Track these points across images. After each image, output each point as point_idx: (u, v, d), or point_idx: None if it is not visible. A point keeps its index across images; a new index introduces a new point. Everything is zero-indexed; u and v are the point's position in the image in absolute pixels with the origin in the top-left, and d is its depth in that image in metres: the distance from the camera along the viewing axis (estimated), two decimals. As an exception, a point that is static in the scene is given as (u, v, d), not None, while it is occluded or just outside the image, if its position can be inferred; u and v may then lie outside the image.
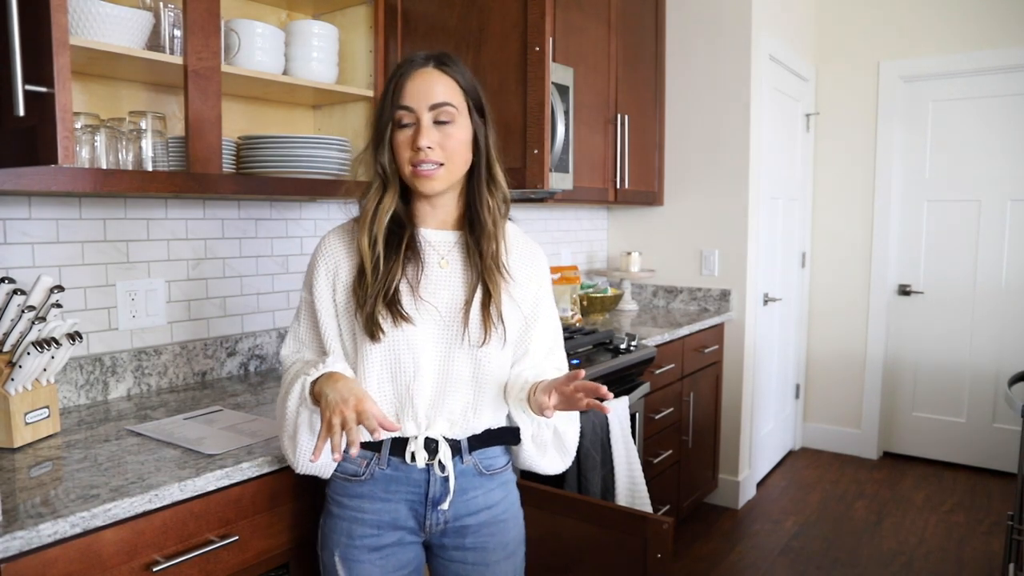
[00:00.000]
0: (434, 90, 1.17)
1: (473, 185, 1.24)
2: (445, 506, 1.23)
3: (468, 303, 1.20)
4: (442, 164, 1.18)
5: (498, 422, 1.28)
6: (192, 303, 1.91)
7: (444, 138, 1.17)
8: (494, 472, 1.28)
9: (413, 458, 1.20)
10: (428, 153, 1.16)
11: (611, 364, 2.23)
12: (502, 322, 1.21)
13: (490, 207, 1.23)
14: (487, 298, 1.20)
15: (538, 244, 1.35)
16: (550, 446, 1.32)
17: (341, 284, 1.23)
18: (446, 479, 1.21)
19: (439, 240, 1.25)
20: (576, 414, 1.32)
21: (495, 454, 1.28)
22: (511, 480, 1.34)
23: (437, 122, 1.17)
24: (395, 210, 1.22)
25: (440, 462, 1.21)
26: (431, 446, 1.21)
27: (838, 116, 3.98)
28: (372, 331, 1.17)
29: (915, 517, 3.25)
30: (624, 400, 2.21)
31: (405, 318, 1.18)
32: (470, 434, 1.25)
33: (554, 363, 1.32)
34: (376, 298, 1.18)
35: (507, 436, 1.29)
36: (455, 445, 1.23)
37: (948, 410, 3.87)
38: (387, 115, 1.18)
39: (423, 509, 1.23)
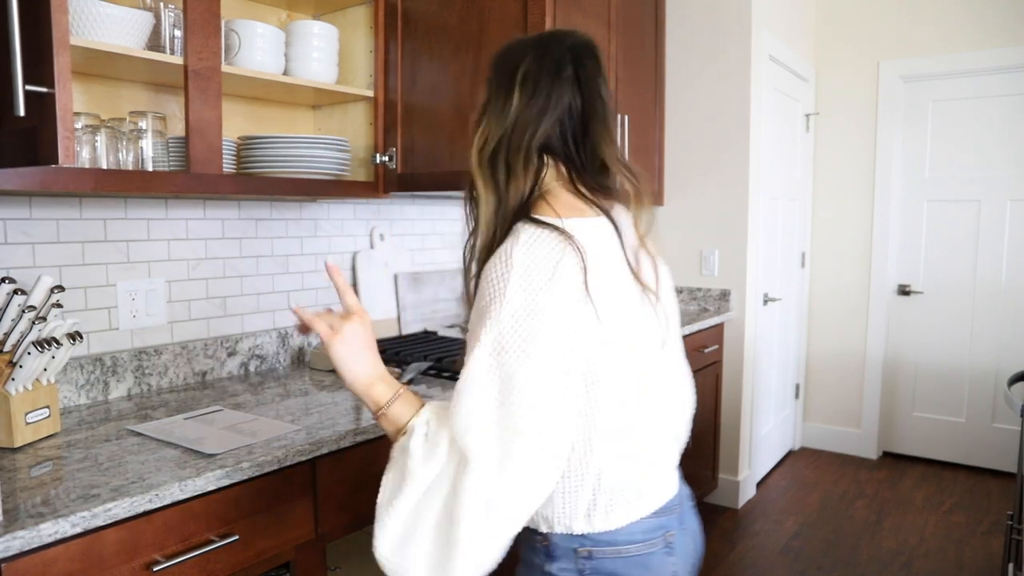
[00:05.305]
0: None
1: None
2: None
3: None
4: None
5: None
6: (192, 303, 1.91)
7: None
8: None
9: None
10: None
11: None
12: None
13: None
14: None
15: (525, 241, 0.94)
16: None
17: None
18: None
19: None
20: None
21: None
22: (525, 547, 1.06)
23: None
24: None
25: None
26: None
27: (838, 116, 3.97)
28: None
29: (915, 517, 3.25)
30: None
31: None
32: None
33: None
34: None
35: None
36: None
37: (948, 410, 3.87)
38: None
39: None
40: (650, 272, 1.05)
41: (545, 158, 1.02)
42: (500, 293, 0.91)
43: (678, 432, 1.13)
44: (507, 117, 1.01)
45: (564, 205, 0.99)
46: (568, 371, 0.92)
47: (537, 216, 0.97)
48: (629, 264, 0.98)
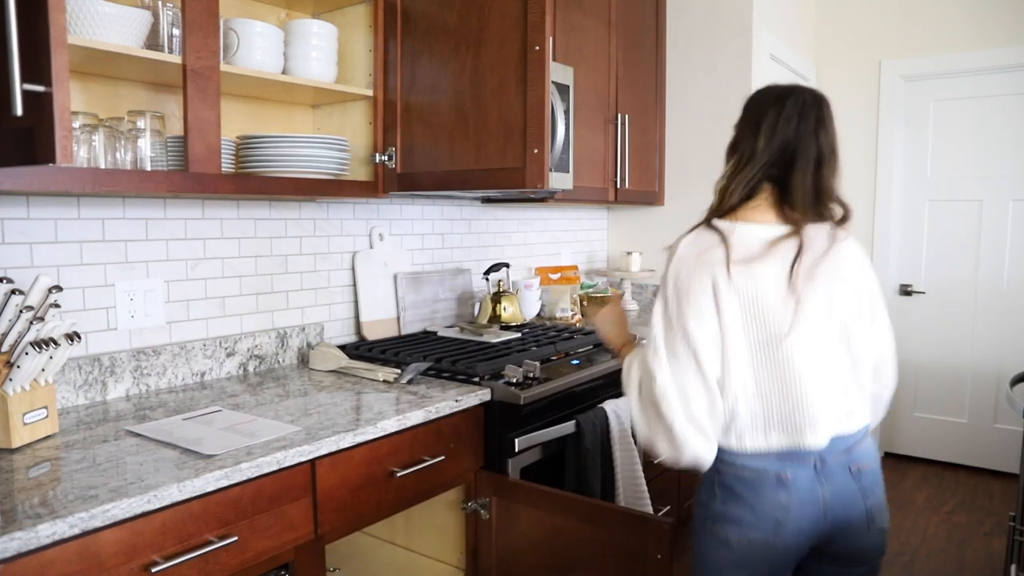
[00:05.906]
0: None
1: None
2: None
3: None
4: None
5: None
6: (191, 303, 1.91)
7: None
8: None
9: None
10: None
11: (611, 364, 2.22)
12: None
13: None
14: None
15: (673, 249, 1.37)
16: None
17: None
18: None
19: None
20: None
21: None
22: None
23: None
24: None
25: None
26: None
27: (839, 116, 3.85)
28: None
29: (916, 518, 3.25)
30: (624, 400, 2.21)
31: None
32: None
33: None
34: None
35: None
36: None
37: (949, 410, 3.86)
38: None
39: None
40: (822, 275, 1.32)
41: (766, 184, 1.37)
42: (667, 267, 1.34)
43: (831, 402, 1.32)
44: (750, 155, 1.37)
45: (748, 215, 1.34)
46: (707, 324, 1.26)
47: (714, 220, 1.34)
48: (793, 264, 1.29)
